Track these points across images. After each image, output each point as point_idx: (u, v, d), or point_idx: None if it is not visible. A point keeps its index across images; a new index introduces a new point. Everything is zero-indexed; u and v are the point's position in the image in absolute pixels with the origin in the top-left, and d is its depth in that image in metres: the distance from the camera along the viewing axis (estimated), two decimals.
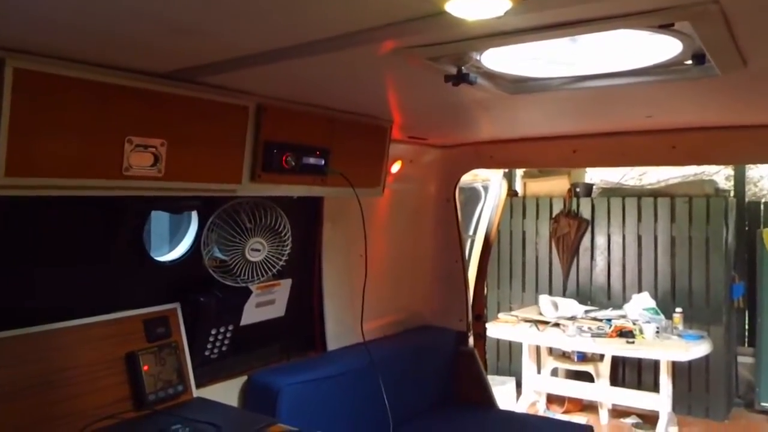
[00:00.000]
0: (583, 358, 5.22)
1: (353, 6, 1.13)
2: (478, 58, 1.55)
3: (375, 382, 2.58)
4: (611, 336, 4.71)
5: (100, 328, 2.01)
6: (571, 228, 5.76)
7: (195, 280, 2.34)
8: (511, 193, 5.26)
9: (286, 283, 2.66)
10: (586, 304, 5.45)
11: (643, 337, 4.62)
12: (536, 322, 5.08)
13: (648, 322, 4.79)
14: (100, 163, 1.64)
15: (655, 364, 5.01)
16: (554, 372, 5.36)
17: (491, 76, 1.70)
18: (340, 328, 2.94)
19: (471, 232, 4.08)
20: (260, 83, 1.88)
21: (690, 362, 4.87)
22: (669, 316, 4.92)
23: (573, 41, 1.41)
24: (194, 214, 2.36)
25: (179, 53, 1.49)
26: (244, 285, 2.43)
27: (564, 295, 5.71)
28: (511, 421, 3.43)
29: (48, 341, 1.87)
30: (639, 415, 5.09)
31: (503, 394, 5.08)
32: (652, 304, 5.07)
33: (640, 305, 5.04)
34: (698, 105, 2.12)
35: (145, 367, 2.07)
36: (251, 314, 2.54)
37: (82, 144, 1.59)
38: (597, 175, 6.42)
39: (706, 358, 4.84)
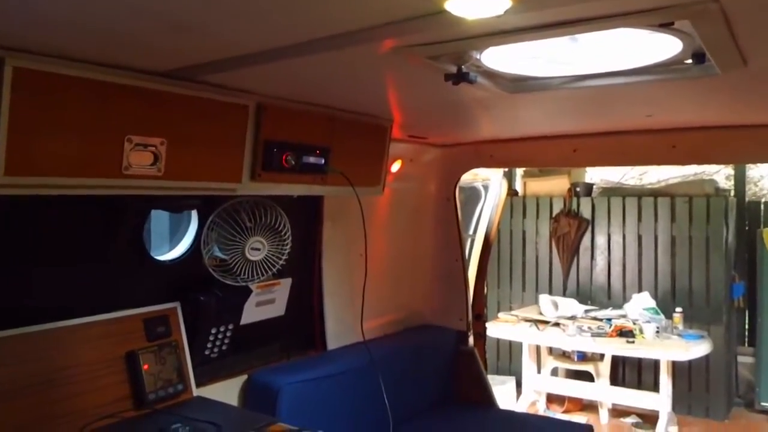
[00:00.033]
0: (583, 357, 5.22)
1: (353, 5, 1.13)
2: (478, 57, 1.55)
3: (375, 381, 2.58)
4: (611, 336, 4.71)
5: (100, 327, 2.01)
6: (571, 227, 5.76)
7: (195, 280, 2.34)
8: (512, 192, 5.25)
9: (286, 282, 2.66)
10: (586, 304, 5.45)
11: (643, 337, 4.62)
12: (536, 322, 5.08)
13: (648, 321, 4.79)
14: (99, 162, 1.64)
15: (655, 364, 5.00)
16: (554, 371, 5.36)
17: (491, 75, 1.70)
18: (340, 327, 2.94)
19: (471, 232, 4.08)
20: (260, 82, 1.88)
21: (690, 362, 4.87)
22: (669, 315, 4.92)
23: (573, 40, 1.41)
24: (194, 213, 2.36)
25: (179, 52, 1.49)
26: (244, 284, 2.43)
27: (564, 294, 5.71)
28: (511, 421, 3.43)
29: (48, 340, 1.87)
30: (639, 415, 5.08)
31: (503, 393, 5.08)
32: (652, 303, 5.06)
33: (640, 305, 5.04)
34: (698, 104, 2.12)
35: (145, 366, 2.07)
36: (251, 313, 2.54)
37: (82, 143, 1.59)
38: (597, 175, 6.42)
39: (706, 357, 4.84)
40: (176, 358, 2.19)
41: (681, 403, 5.12)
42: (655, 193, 5.56)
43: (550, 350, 5.34)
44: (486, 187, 3.97)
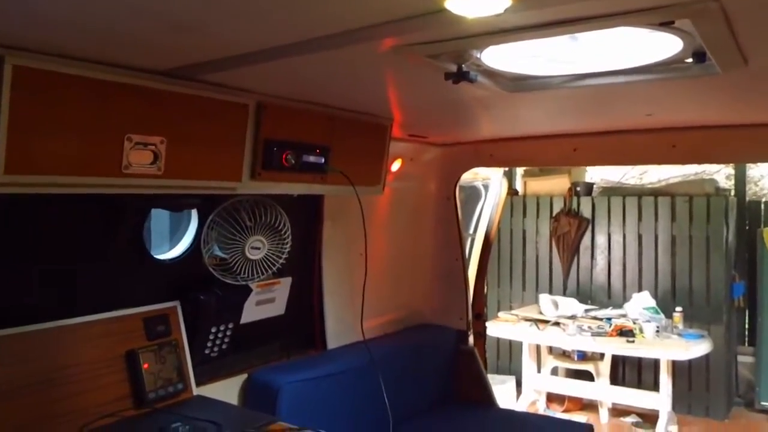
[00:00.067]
0: (583, 357, 5.22)
1: (353, 3, 1.13)
2: (478, 55, 1.54)
3: (375, 381, 2.58)
4: (611, 335, 4.71)
5: (100, 326, 2.01)
6: (571, 227, 5.76)
7: (195, 279, 2.34)
8: (512, 191, 5.25)
9: (286, 282, 2.66)
10: (586, 303, 5.45)
11: (643, 336, 4.62)
12: (536, 321, 5.08)
13: (648, 321, 4.79)
14: (99, 161, 1.64)
15: (655, 363, 5.00)
16: (554, 371, 5.36)
17: (491, 74, 1.69)
18: (340, 327, 2.94)
19: (471, 231, 4.08)
20: (260, 81, 1.87)
21: (690, 361, 4.87)
22: (669, 315, 4.92)
23: (573, 39, 1.41)
24: (194, 212, 2.36)
25: (179, 51, 1.49)
26: (244, 283, 2.43)
27: (564, 294, 5.71)
28: (511, 420, 3.43)
29: (48, 339, 1.87)
30: (639, 414, 5.08)
31: (503, 392, 5.08)
32: (653, 303, 5.06)
33: (640, 304, 5.04)
34: (699, 103, 2.12)
35: (145, 365, 2.07)
36: (251, 312, 2.54)
37: (82, 142, 1.59)
38: (597, 174, 6.42)
39: (707, 357, 4.85)
40: (176, 357, 2.19)
41: (681, 403, 5.12)
42: (656, 193, 5.56)
43: (550, 349, 5.34)
44: (486, 187, 3.97)
